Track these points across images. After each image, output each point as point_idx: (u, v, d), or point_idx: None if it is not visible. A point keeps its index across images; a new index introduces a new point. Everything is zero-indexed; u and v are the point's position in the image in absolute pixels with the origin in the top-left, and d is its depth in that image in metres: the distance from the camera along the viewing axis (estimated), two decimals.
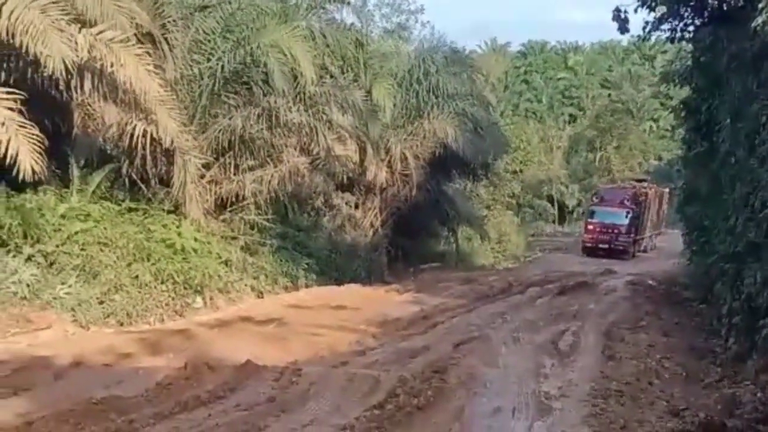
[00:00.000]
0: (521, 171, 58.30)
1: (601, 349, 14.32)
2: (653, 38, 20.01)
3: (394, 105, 27.51)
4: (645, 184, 49.38)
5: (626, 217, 44.67)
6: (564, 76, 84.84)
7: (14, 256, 14.25)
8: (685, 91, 20.51)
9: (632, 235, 45.11)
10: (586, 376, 12.02)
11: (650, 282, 27.17)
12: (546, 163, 62.38)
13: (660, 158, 69.41)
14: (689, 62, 18.89)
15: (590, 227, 45.91)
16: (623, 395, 10.73)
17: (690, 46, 18.60)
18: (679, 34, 17.38)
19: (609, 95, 77.78)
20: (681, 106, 20.54)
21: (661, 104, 75.81)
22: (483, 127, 31.34)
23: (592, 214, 46.66)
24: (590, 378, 11.88)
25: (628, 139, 67.55)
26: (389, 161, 27.50)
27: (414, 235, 31.91)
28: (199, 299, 17.31)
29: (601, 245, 44.27)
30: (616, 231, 44.38)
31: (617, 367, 12.62)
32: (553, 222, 61.80)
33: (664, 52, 78.56)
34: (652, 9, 16.66)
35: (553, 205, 61.89)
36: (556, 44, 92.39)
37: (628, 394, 10.78)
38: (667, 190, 47.85)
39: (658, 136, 73.65)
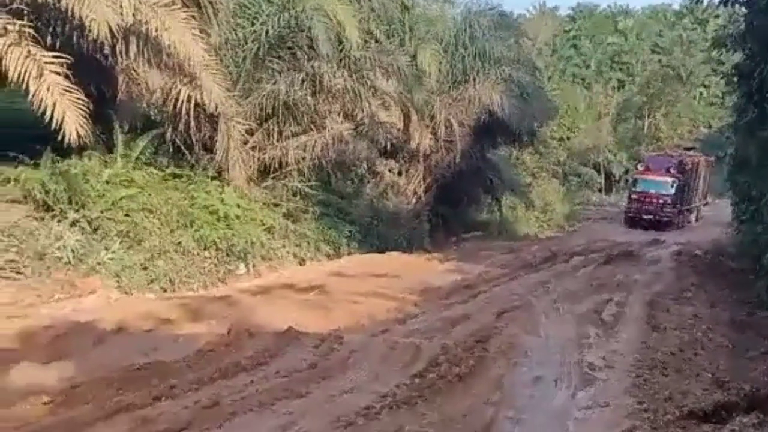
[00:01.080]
0: (568, 138, 57.50)
1: (645, 320, 14.17)
2: (705, 1, 19.45)
3: (440, 70, 27.20)
4: (692, 152, 47.88)
5: (672, 186, 42.78)
6: (613, 40, 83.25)
7: (59, 222, 14.29)
8: (738, 57, 19.87)
9: (678, 206, 43.41)
10: (630, 347, 11.92)
11: (697, 252, 26.91)
12: (593, 130, 61.44)
13: (710, 126, 68.14)
14: (742, 26, 18.25)
15: (634, 197, 43.94)
16: (667, 366, 10.58)
17: (743, 9, 17.95)
18: None
19: (659, 61, 76.23)
20: (733, 71, 19.92)
21: (713, 70, 74.00)
22: (529, 93, 30.90)
23: (635, 183, 44.72)
24: (634, 348, 11.78)
25: (677, 106, 66.35)
26: (433, 128, 27.19)
27: (457, 203, 31.65)
28: (241, 266, 17.33)
29: (645, 216, 42.51)
30: (661, 201, 42.56)
31: (662, 338, 12.46)
32: (600, 191, 60.96)
33: (717, 16, 76.83)
34: None
35: (599, 173, 61.05)
36: (606, 8, 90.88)
37: (672, 366, 10.62)
38: (712, 158, 46.49)
39: (708, 103, 72.19)
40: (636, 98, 67.77)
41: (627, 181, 51.97)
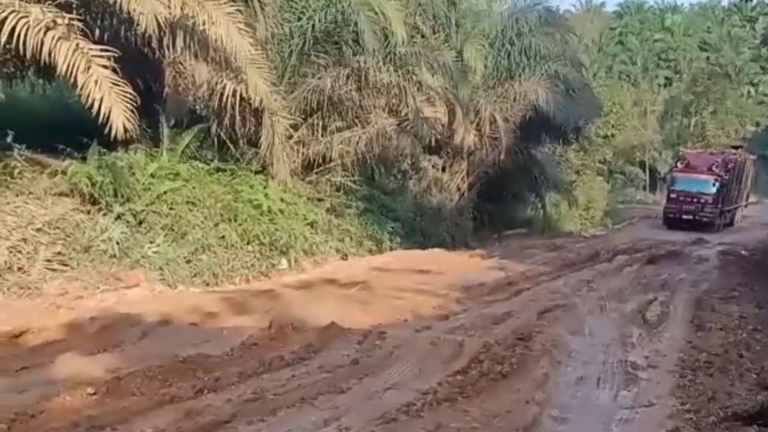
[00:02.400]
0: (613, 136, 56.95)
1: (690, 319, 14.04)
2: None
3: (485, 66, 27.13)
4: (736, 151, 46.34)
5: (714, 185, 41.08)
6: (660, 37, 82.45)
7: (105, 215, 14.37)
8: None
9: (719, 206, 41.50)
10: (674, 347, 11.80)
11: (743, 252, 26.55)
12: (639, 128, 60.81)
13: (758, 124, 67.31)
14: None
15: (673, 196, 42.29)
16: (712, 366, 10.44)
17: None
18: None
19: (707, 58, 75.38)
20: None
21: (762, 68, 73.38)
22: (575, 90, 30.75)
23: (675, 181, 42.89)
24: (678, 348, 11.66)
25: (724, 104, 65.53)
26: (478, 124, 27.13)
27: (500, 199, 31.54)
28: (284, 260, 17.35)
29: (684, 216, 40.72)
30: (702, 201, 40.78)
31: (706, 338, 12.31)
32: (644, 189, 60.44)
33: (767, 13, 75.92)
34: None
35: (644, 171, 60.49)
36: (653, 4, 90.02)
37: (717, 366, 10.48)
38: (753, 156, 45.35)
39: (756, 102, 71.39)
40: (683, 96, 66.99)
41: (665, 180, 50.10)
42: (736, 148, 48.51)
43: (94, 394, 8.06)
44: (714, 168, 41.72)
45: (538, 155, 33.62)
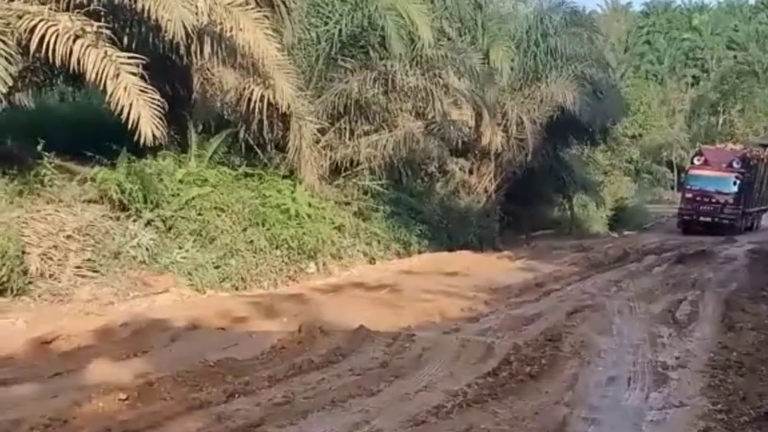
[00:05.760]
0: (640, 135, 56.57)
1: (720, 319, 13.99)
2: None
3: (512, 68, 26.99)
4: (759, 149, 42.95)
5: (735, 184, 37.58)
6: (688, 36, 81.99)
7: (134, 221, 14.51)
8: None
9: (741, 207, 38.04)
10: (704, 347, 11.76)
11: None
12: (666, 127, 60.39)
13: None
14: None
15: (689, 196, 38.76)
16: (743, 366, 10.39)
17: None
18: None
19: (734, 56, 74.85)
20: None
21: None
22: (602, 90, 30.58)
23: (691, 179, 39.37)
24: (708, 348, 11.61)
25: (753, 102, 64.99)
26: (505, 126, 26.99)
27: (528, 201, 31.39)
28: (312, 264, 17.40)
29: (701, 218, 37.57)
30: (721, 201, 37.44)
31: (737, 338, 12.25)
32: (672, 188, 59.95)
33: None
34: None
35: (672, 170, 60.07)
36: (680, 3, 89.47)
37: (748, 366, 10.42)
38: None
39: None
40: (710, 94, 66.48)
41: (682, 176, 46.05)
42: (765, 146, 45.54)
43: (126, 399, 8.11)
44: (734, 164, 38.34)
45: (565, 156, 33.47)
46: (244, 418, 7.71)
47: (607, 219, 39.21)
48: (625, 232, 37.52)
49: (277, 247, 16.53)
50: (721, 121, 64.87)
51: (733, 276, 20.29)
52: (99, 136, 15.29)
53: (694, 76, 78.00)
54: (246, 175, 17.74)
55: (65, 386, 8.67)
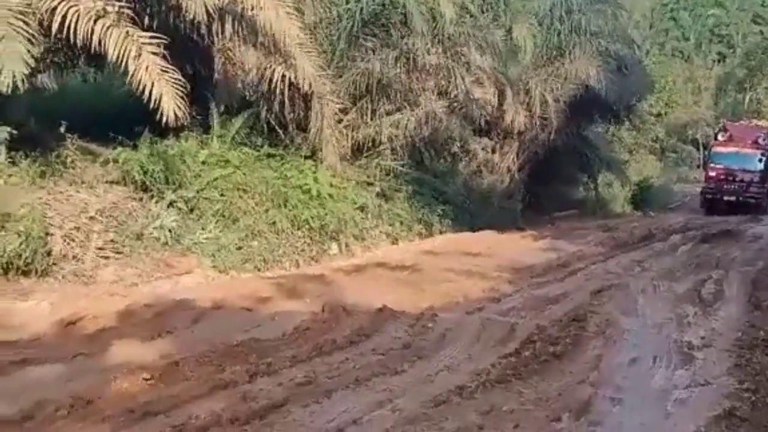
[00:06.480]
0: (665, 113, 56.00)
1: (746, 298, 13.83)
2: None
3: (535, 45, 26.76)
4: None
5: (761, 161, 36.16)
6: (714, 12, 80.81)
7: (157, 202, 14.47)
8: None
9: (767, 185, 36.39)
10: (731, 326, 11.66)
11: None
12: (692, 105, 59.78)
13: None
14: None
15: (712, 174, 37.24)
16: None
17: None
18: None
19: (761, 32, 73.86)
20: None
21: None
22: (627, 68, 30.24)
23: (714, 156, 38.15)
24: (735, 327, 11.52)
25: None
26: (528, 104, 26.74)
27: (551, 180, 31.20)
28: (334, 245, 17.32)
29: (725, 197, 35.97)
30: (746, 179, 35.98)
31: (764, 317, 12.12)
32: (698, 167, 59.29)
33: None
34: None
35: (698, 149, 59.50)
36: None
37: None
38: None
39: None
40: (737, 71, 65.64)
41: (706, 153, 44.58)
42: None
43: (149, 379, 8.13)
44: (760, 141, 36.87)
45: (589, 135, 33.15)
46: (268, 398, 7.72)
47: (631, 198, 38.78)
48: (651, 212, 37.14)
49: (299, 228, 16.46)
50: (747, 98, 64.07)
51: (759, 255, 20.03)
52: (121, 118, 15.32)
53: (719, 53, 77.05)
54: (268, 155, 17.68)
55: (89, 367, 8.70)
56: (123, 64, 12.95)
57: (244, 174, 16.36)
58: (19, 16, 12.20)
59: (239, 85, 18.52)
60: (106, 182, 14.33)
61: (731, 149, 36.97)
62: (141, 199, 14.48)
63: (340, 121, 19.06)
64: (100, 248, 13.00)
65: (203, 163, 15.95)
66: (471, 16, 23.76)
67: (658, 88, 49.68)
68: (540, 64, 27.54)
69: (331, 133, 18.22)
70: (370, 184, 19.75)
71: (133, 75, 12.91)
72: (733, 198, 36.11)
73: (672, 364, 9.61)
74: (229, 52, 17.29)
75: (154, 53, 13.03)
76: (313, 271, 15.49)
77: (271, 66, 16.64)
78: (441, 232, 21.48)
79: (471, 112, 23.21)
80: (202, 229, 14.77)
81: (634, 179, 38.83)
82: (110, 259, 13.04)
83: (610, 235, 24.17)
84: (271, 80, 16.70)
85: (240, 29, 15.67)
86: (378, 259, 17.27)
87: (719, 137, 38.94)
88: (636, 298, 13.87)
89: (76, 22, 12.60)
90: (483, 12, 25.23)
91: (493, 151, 27.71)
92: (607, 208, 35.36)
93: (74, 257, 12.61)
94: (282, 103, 17.50)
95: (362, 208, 18.82)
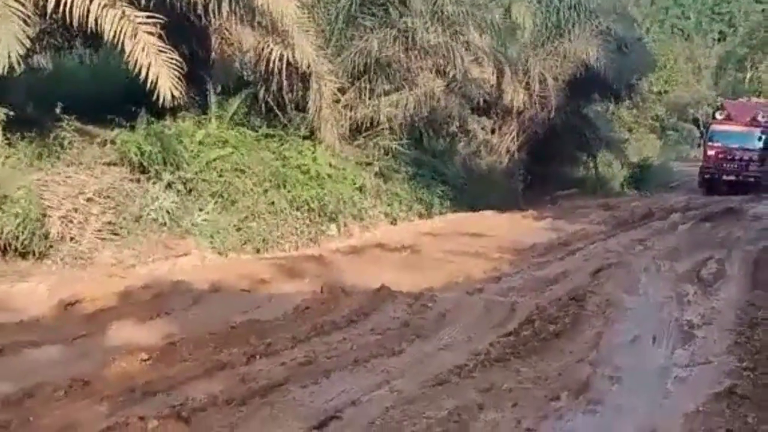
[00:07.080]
0: (666, 92, 55.82)
1: (747, 277, 13.92)
2: None
3: (534, 23, 26.64)
4: None
5: (760, 140, 35.46)
6: None
7: (154, 183, 14.40)
8: None
9: (766, 164, 35.59)
10: (731, 305, 11.70)
11: None
12: (692, 84, 59.60)
13: None
14: None
15: (710, 153, 36.52)
16: None
17: None
18: None
19: (762, 10, 73.49)
20: None
21: None
22: (627, 46, 30.12)
23: (713, 135, 37.26)
24: (735, 306, 11.56)
25: None
26: (527, 83, 26.62)
27: (551, 160, 31.10)
28: (333, 226, 17.26)
29: (724, 176, 35.38)
30: (745, 158, 35.36)
31: (765, 296, 12.10)
32: (699, 146, 59.23)
33: None
34: None
35: (698, 128, 59.35)
36: None
37: None
38: None
39: None
40: (738, 49, 65.40)
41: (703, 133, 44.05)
42: None
43: (148, 360, 8.15)
44: (759, 118, 36.13)
45: (589, 113, 33.03)
46: (267, 378, 7.74)
47: (631, 177, 38.66)
48: (651, 191, 37.00)
49: (297, 209, 16.40)
50: (748, 77, 63.87)
51: (761, 234, 20.07)
52: (118, 99, 15.26)
53: (720, 32, 76.76)
54: (266, 136, 17.61)
55: (88, 348, 8.74)
56: (119, 44, 12.90)
57: (243, 155, 16.29)
58: None
59: (236, 65, 18.46)
60: (104, 163, 14.27)
61: (729, 128, 36.47)
62: (139, 181, 14.40)
63: (338, 101, 18.95)
64: (98, 230, 12.98)
65: (201, 143, 15.85)
66: None
67: (659, 67, 49.42)
68: (539, 42, 27.40)
69: (329, 113, 18.14)
70: (368, 164, 19.66)
71: (129, 55, 12.86)
72: (732, 177, 35.58)
73: (672, 342, 9.64)
74: (226, 31, 17.22)
75: (150, 33, 12.96)
76: (311, 252, 15.50)
77: (268, 46, 16.53)
78: (441, 213, 21.42)
79: (470, 92, 23.08)
80: (201, 210, 14.71)
81: (633, 159, 38.66)
82: (108, 241, 13.02)
83: (611, 214, 24.19)
84: (268, 60, 16.58)
85: (237, 8, 15.54)
86: (377, 240, 17.27)
87: (717, 116, 38.40)
88: (637, 277, 13.87)
89: (72, 1, 12.52)
90: None
91: (493, 131, 27.66)
92: (608, 186, 35.26)
93: (72, 239, 12.58)
94: (280, 83, 17.38)
95: (361, 189, 18.73)
